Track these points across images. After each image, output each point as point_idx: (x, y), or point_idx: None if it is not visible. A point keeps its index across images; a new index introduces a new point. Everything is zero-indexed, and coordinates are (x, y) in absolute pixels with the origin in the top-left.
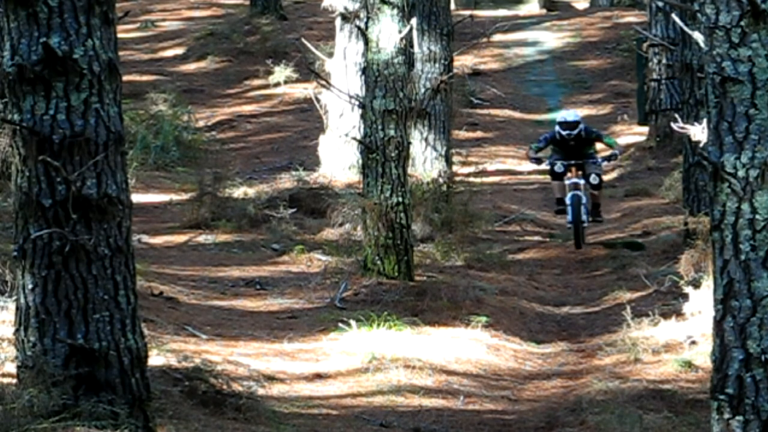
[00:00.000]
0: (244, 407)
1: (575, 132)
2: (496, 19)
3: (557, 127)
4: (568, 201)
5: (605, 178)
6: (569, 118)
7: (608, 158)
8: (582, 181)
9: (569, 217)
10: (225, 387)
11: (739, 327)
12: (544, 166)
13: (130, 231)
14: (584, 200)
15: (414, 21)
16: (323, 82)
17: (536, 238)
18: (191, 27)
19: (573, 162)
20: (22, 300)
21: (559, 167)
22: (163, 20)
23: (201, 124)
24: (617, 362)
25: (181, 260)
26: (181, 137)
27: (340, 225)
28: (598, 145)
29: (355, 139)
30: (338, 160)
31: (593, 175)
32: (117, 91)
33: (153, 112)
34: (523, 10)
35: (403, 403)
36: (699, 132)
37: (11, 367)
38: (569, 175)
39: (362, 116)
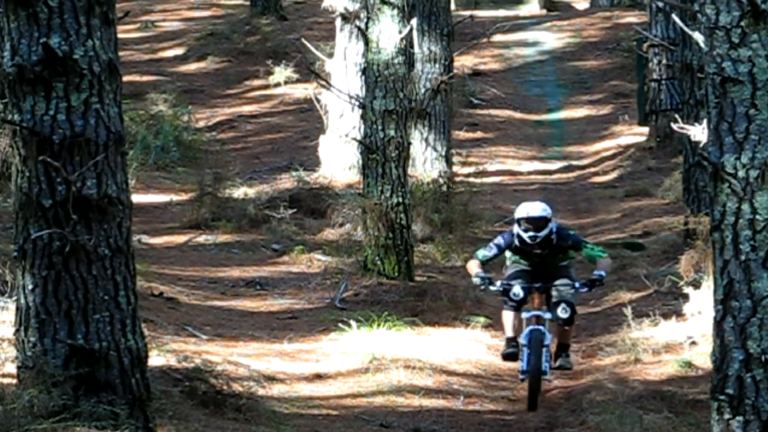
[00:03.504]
0: (244, 407)
1: (542, 234)
2: (496, 19)
3: (517, 227)
4: (523, 340)
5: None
6: (533, 213)
7: (590, 284)
8: (547, 315)
9: (523, 365)
10: (225, 387)
11: (739, 327)
12: (495, 290)
13: (130, 231)
14: (547, 340)
15: (414, 21)
16: (323, 83)
17: None
18: (191, 27)
19: (537, 285)
20: (23, 300)
21: (516, 292)
22: (163, 20)
23: (201, 124)
24: (617, 362)
25: (181, 260)
26: (182, 137)
27: (341, 225)
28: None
29: (355, 139)
30: (338, 161)
31: (563, 306)
32: (117, 91)
33: (153, 112)
34: (523, 11)
35: (403, 404)
36: (699, 132)
37: (11, 368)
38: (530, 304)
39: (362, 117)
